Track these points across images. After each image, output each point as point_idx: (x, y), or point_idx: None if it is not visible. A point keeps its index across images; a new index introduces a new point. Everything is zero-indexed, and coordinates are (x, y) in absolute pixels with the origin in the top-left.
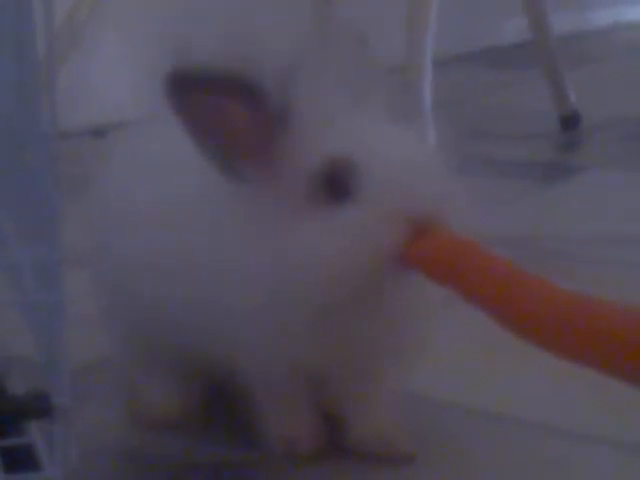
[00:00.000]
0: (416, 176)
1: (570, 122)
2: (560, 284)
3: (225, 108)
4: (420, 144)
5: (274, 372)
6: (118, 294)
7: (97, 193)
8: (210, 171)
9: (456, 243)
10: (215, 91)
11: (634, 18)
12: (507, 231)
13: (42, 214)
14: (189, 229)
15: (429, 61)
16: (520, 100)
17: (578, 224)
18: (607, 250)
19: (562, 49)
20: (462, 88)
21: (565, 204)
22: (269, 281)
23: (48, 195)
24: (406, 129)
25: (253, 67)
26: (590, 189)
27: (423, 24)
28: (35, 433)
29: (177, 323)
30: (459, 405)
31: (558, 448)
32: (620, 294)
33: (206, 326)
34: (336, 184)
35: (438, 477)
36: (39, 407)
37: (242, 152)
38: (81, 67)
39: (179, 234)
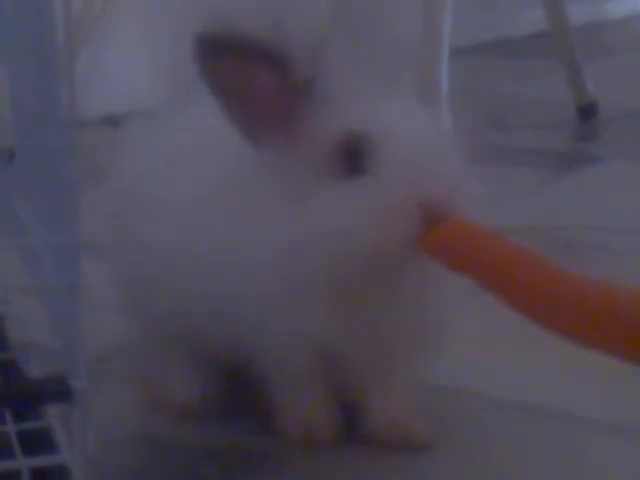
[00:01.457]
0: (433, 158)
1: (588, 112)
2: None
3: (252, 74)
4: (438, 127)
5: (292, 356)
6: (138, 282)
7: (118, 182)
8: (233, 150)
9: (472, 231)
10: (244, 57)
11: None
12: (523, 220)
13: (60, 200)
14: (212, 212)
15: (446, 51)
16: (537, 90)
17: (595, 213)
18: (623, 239)
19: (580, 39)
20: (479, 78)
21: (582, 194)
22: (289, 250)
23: (67, 180)
24: (426, 111)
25: (282, 36)
26: (607, 179)
27: (440, 13)
28: (53, 417)
29: (196, 309)
30: (477, 393)
31: (577, 436)
32: (637, 283)
33: (225, 311)
34: (354, 157)
35: (456, 465)
36: (57, 390)
37: (266, 119)
38: (96, 56)
39: (202, 217)
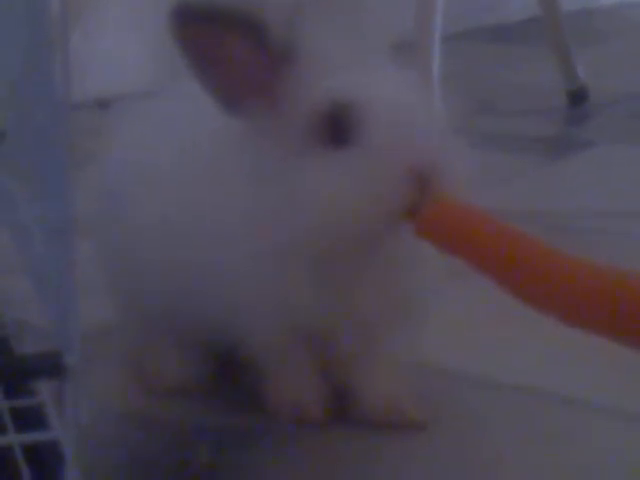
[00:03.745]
0: (418, 125)
1: (578, 97)
2: None
3: (227, 41)
4: (422, 93)
5: (276, 334)
6: (122, 261)
7: (101, 162)
8: (215, 121)
9: (462, 212)
10: (217, 24)
11: None
12: (514, 205)
13: (53, 177)
14: (194, 185)
15: (437, 36)
16: (528, 75)
17: (585, 198)
18: (614, 224)
19: (570, 26)
20: (470, 63)
21: (572, 179)
22: (272, 220)
23: (59, 155)
24: (406, 76)
25: (257, 3)
26: (597, 164)
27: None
28: (45, 394)
29: (179, 288)
30: (471, 375)
31: (571, 418)
32: (630, 266)
33: (208, 289)
34: (338, 126)
35: (449, 445)
36: (50, 366)
37: (244, 86)
38: (85, 39)
39: (184, 191)
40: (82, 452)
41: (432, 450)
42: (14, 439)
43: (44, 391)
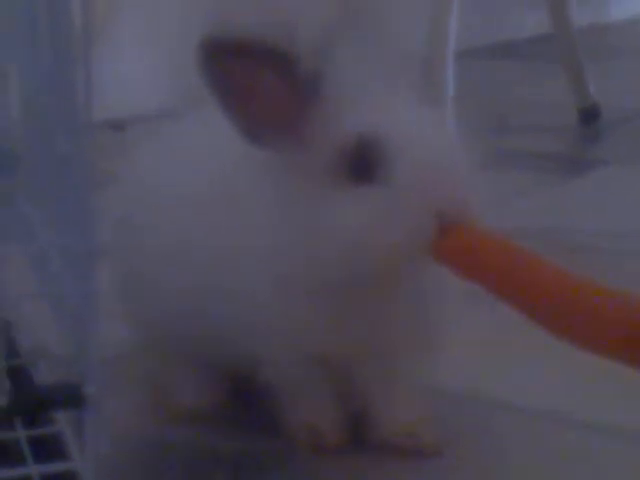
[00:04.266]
0: (447, 166)
1: (590, 115)
2: None
3: (256, 75)
4: (448, 132)
5: (294, 361)
6: (140, 286)
7: (119, 185)
8: (239, 151)
9: (483, 240)
10: (247, 58)
11: None
12: (525, 223)
13: (73, 204)
14: (218, 212)
15: (451, 53)
16: (540, 93)
17: (597, 217)
18: (628, 242)
19: (583, 42)
20: (483, 80)
21: (584, 197)
22: (294, 252)
23: (81, 185)
24: (435, 114)
25: (285, 36)
26: (609, 182)
27: (445, 16)
28: (63, 423)
29: (198, 313)
30: (486, 398)
31: (589, 442)
32: (639, 286)
33: (227, 316)
34: (364, 162)
35: (465, 470)
36: (69, 397)
37: (272, 120)
38: (99, 60)
39: (207, 219)
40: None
41: (450, 475)
42: (33, 470)
43: (62, 420)
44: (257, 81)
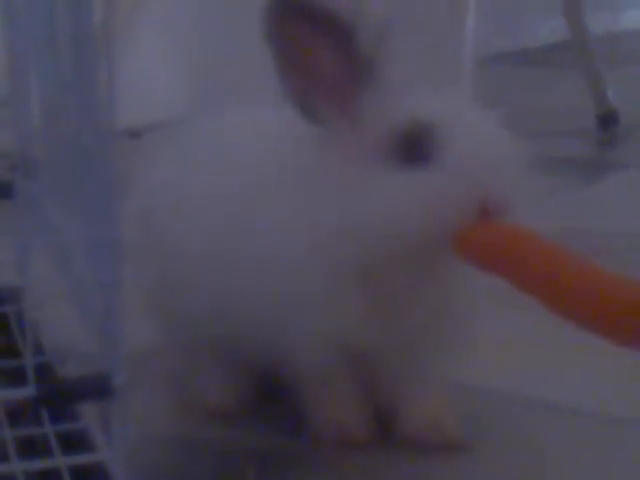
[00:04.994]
0: (498, 158)
1: (608, 120)
2: None
3: (320, 43)
4: (500, 131)
5: (323, 356)
6: (166, 284)
7: (144, 184)
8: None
9: (508, 231)
10: (314, 24)
11: None
12: (545, 226)
13: (98, 198)
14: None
15: (469, 60)
16: (558, 98)
17: (616, 221)
18: None
19: (601, 49)
20: (501, 86)
21: (602, 201)
22: (338, 232)
23: (106, 176)
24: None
25: (354, 13)
26: (628, 186)
27: (463, 22)
28: (90, 417)
29: (229, 310)
30: (515, 395)
31: (620, 437)
32: None
33: (256, 309)
34: (417, 146)
35: (496, 467)
36: (97, 388)
37: (326, 94)
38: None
39: (234, 214)
40: (129, 473)
41: (479, 472)
42: (62, 461)
43: (88, 414)
44: (319, 50)
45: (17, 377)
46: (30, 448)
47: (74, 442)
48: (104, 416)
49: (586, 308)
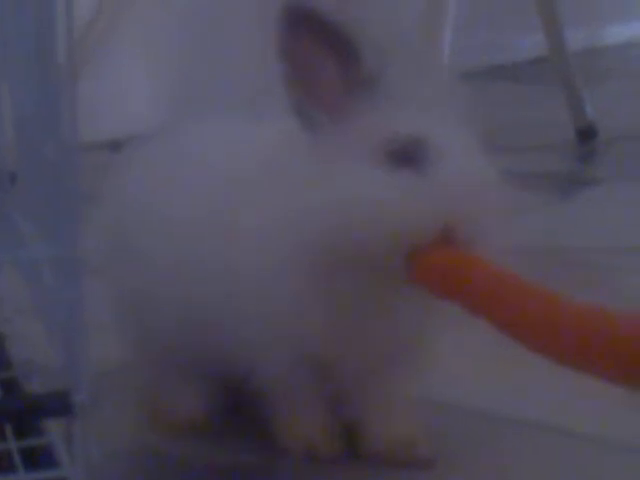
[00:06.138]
0: (482, 185)
1: (586, 135)
2: (576, 295)
3: (326, 54)
4: (480, 150)
5: (289, 369)
6: (135, 298)
7: (113, 199)
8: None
9: (458, 257)
10: (325, 35)
11: None
12: (523, 241)
13: (62, 215)
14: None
15: (447, 75)
16: (537, 113)
17: (596, 234)
18: (625, 260)
19: (579, 65)
20: (480, 102)
21: (581, 216)
22: (305, 222)
23: (68, 194)
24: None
25: (359, 29)
26: (606, 201)
27: (440, 37)
28: (54, 433)
29: (192, 322)
30: (482, 411)
31: (586, 454)
32: (638, 303)
33: (221, 322)
34: (404, 157)
35: None
36: (59, 405)
37: (325, 104)
38: (95, 81)
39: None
40: None
41: None
42: (25, 478)
43: (53, 430)
44: (325, 61)
45: None
46: None
47: (39, 458)
48: (69, 432)
49: (533, 330)
